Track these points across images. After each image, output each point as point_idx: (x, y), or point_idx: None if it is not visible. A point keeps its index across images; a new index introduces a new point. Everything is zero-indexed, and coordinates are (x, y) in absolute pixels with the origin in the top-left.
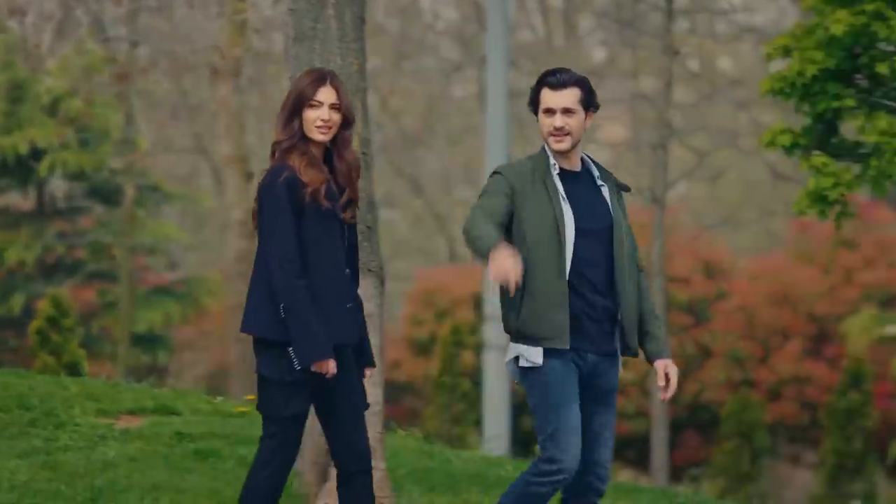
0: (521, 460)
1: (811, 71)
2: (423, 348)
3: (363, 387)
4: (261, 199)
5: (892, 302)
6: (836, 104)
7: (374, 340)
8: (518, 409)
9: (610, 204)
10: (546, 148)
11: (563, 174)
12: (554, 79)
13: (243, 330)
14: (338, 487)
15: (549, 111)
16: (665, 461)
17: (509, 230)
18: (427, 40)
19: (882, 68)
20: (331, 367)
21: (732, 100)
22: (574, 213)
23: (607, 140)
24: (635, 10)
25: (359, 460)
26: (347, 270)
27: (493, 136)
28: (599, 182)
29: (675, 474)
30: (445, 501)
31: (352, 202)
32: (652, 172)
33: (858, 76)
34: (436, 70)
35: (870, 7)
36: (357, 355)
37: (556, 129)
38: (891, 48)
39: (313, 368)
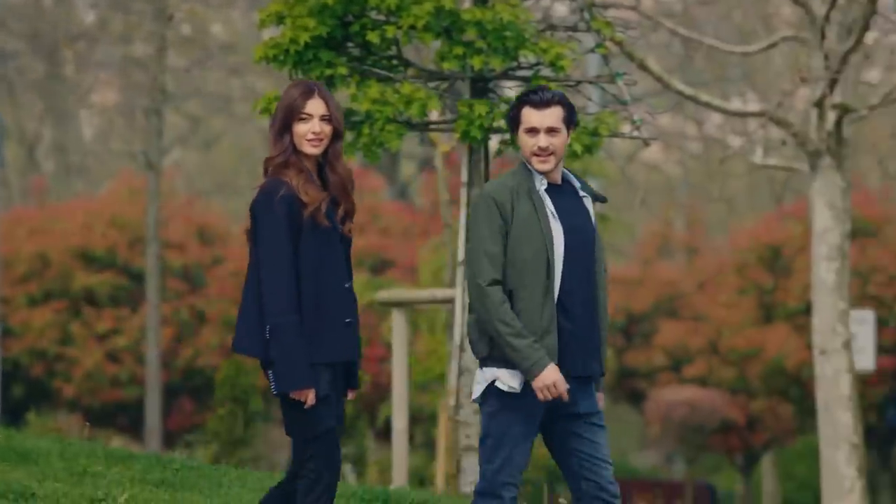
0: (11, 428)
1: (304, 38)
2: None
3: (343, 405)
4: (256, 217)
5: (382, 267)
6: (329, 72)
7: None
8: (8, 377)
9: (592, 216)
10: (527, 164)
11: (549, 188)
12: (537, 97)
13: (235, 349)
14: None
15: (533, 130)
16: (159, 427)
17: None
18: None
19: (373, 37)
20: (310, 397)
21: (226, 66)
22: (564, 229)
23: (98, 105)
24: None
25: (336, 473)
26: (347, 285)
27: None
28: (582, 194)
29: (170, 440)
30: None
31: (347, 215)
32: (146, 138)
33: (350, 44)
34: None
35: None
36: (345, 374)
37: (541, 149)
38: (381, 17)
39: (292, 396)
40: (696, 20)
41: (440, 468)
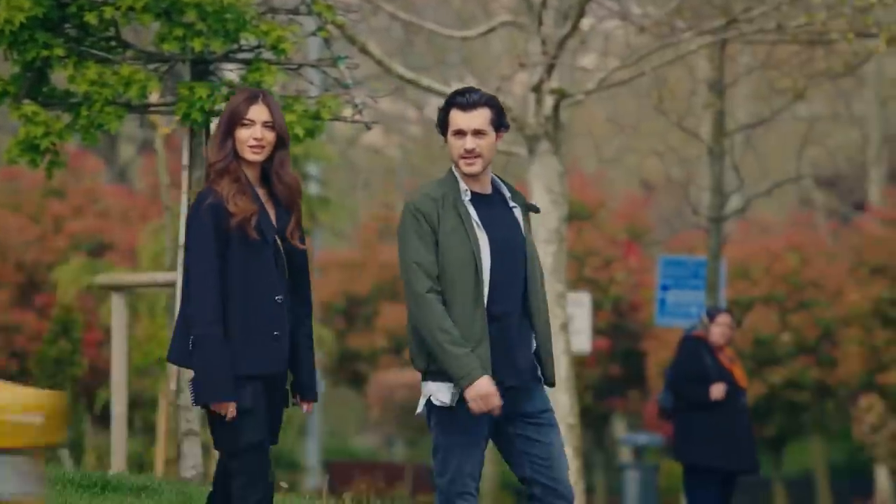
0: None
1: (19, 18)
2: None
3: (280, 421)
4: (186, 226)
5: (100, 250)
6: (45, 53)
7: None
8: None
9: (522, 226)
10: (455, 171)
11: (476, 198)
12: (463, 99)
13: (169, 359)
14: None
15: (460, 133)
16: None
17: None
18: None
19: (91, 18)
20: (230, 410)
21: None
22: (490, 239)
23: None
24: None
25: (264, 489)
26: (279, 298)
27: None
28: (511, 204)
29: None
30: None
31: (295, 224)
32: None
33: (68, 25)
34: None
35: None
36: (299, 386)
37: (468, 151)
38: None
39: (212, 409)
40: (416, 4)
41: (160, 453)
